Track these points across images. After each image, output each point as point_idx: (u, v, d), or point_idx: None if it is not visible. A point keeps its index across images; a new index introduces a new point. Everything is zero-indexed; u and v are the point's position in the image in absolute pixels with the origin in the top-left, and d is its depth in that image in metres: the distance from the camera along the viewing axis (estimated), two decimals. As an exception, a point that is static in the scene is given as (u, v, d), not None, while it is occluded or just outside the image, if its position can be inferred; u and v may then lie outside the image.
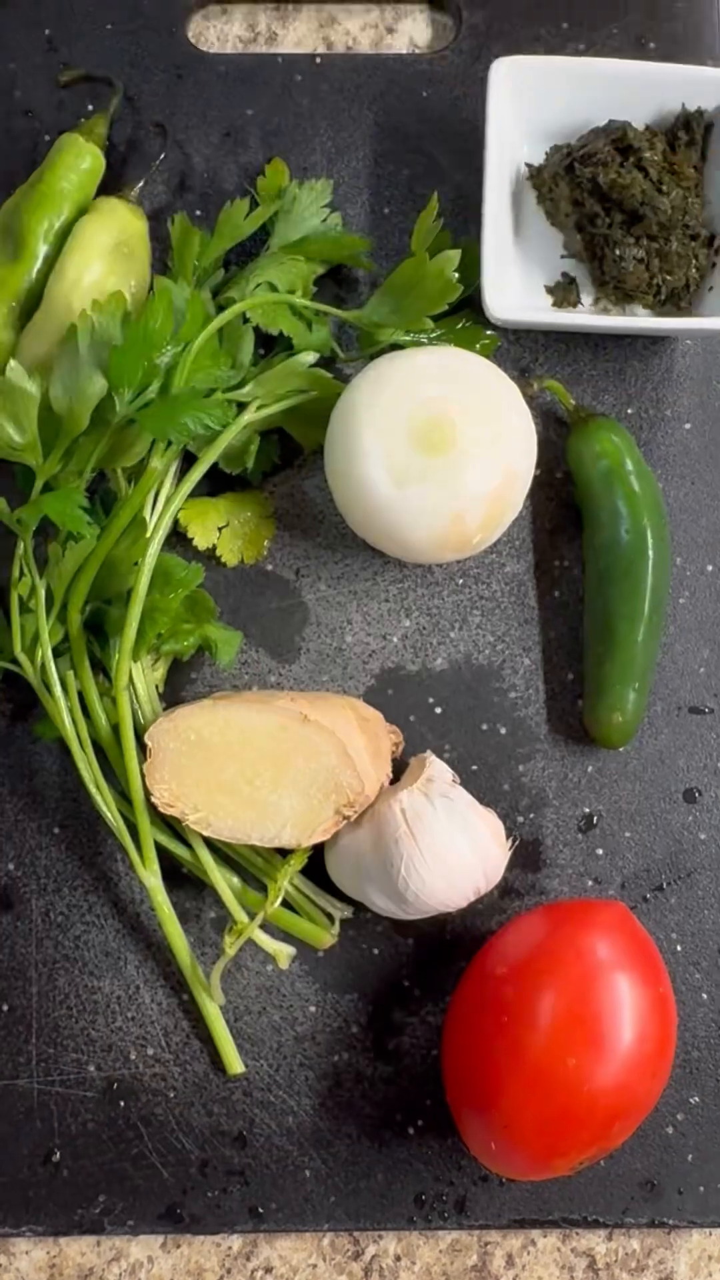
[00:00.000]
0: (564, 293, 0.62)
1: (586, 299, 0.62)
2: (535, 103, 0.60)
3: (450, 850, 0.55)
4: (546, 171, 0.60)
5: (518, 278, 0.62)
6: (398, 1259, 0.60)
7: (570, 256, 0.62)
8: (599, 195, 0.58)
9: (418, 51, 0.67)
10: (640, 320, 0.60)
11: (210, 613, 0.60)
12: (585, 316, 0.61)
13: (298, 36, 0.67)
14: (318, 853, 0.59)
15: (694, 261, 0.59)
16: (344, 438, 0.56)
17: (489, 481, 0.56)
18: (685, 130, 0.60)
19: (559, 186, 0.60)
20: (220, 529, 0.61)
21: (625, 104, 0.60)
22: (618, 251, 0.58)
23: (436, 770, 0.58)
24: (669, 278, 0.59)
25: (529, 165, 0.62)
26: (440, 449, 0.55)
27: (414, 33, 0.67)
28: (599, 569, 0.60)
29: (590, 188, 0.58)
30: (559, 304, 0.62)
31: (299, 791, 0.56)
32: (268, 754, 0.56)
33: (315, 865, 0.59)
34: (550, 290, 0.62)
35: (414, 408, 0.55)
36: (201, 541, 0.61)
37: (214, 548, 0.61)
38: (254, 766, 0.56)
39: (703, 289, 0.61)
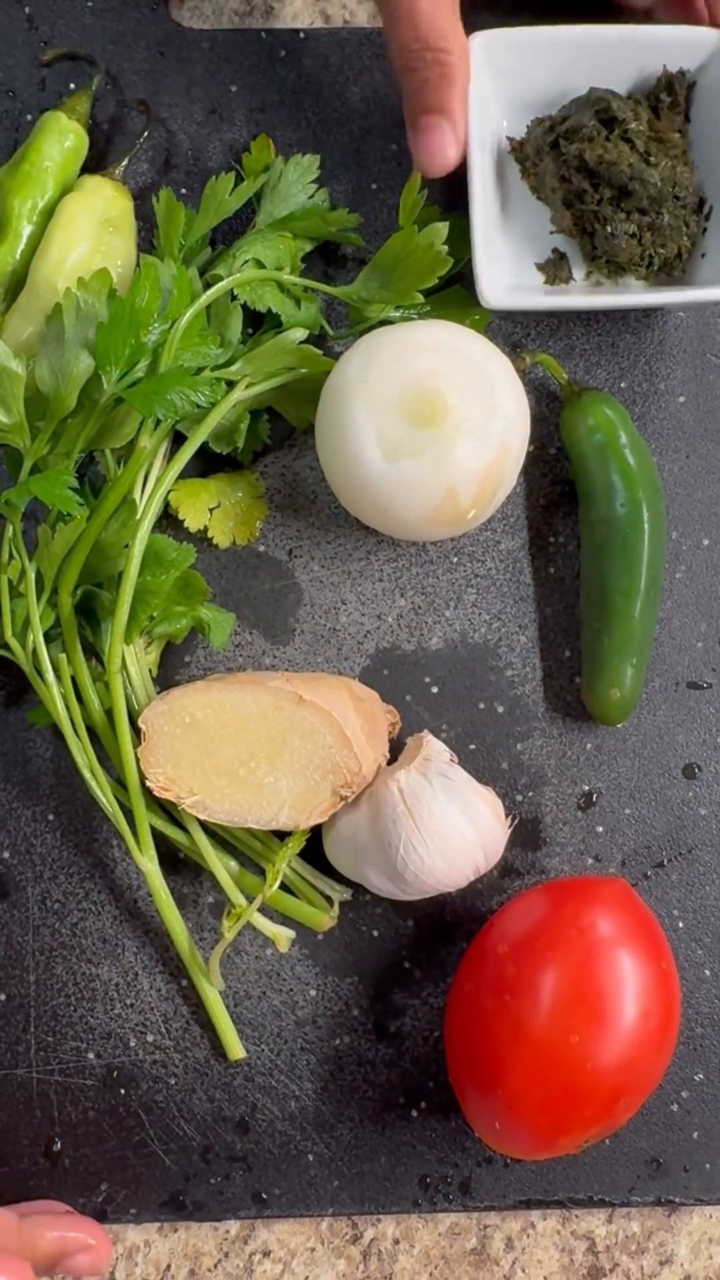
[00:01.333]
0: (555, 269, 0.61)
1: (578, 273, 0.61)
2: (514, 75, 0.58)
3: (449, 829, 0.55)
4: (530, 146, 0.59)
5: (508, 257, 0.61)
6: (396, 1242, 0.59)
7: (560, 231, 0.60)
8: (586, 171, 0.57)
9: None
10: (636, 296, 0.59)
11: (203, 595, 0.60)
12: (580, 298, 0.60)
13: (294, 10, 0.66)
14: (315, 835, 0.58)
15: (685, 229, 0.58)
16: (334, 412, 0.56)
17: (482, 455, 0.55)
18: (668, 92, 0.59)
19: (543, 162, 0.58)
20: (211, 510, 0.61)
21: (605, 70, 0.58)
22: (609, 228, 0.57)
23: (434, 750, 0.57)
24: (662, 250, 0.58)
25: (510, 139, 0.60)
26: (432, 423, 0.54)
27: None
28: (595, 544, 0.60)
29: (577, 164, 0.57)
30: (550, 281, 0.61)
31: (296, 773, 0.56)
32: (263, 736, 0.56)
33: (313, 847, 0.59)
34: (541, 268, 0.61)
35: (405, 382, 0.55)
36: (193, 523, 0.60)
37: (205, 529, 0.61)
38: (250, 749, 0.56)
39: (695, 256, 0.60)
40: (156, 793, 0.56)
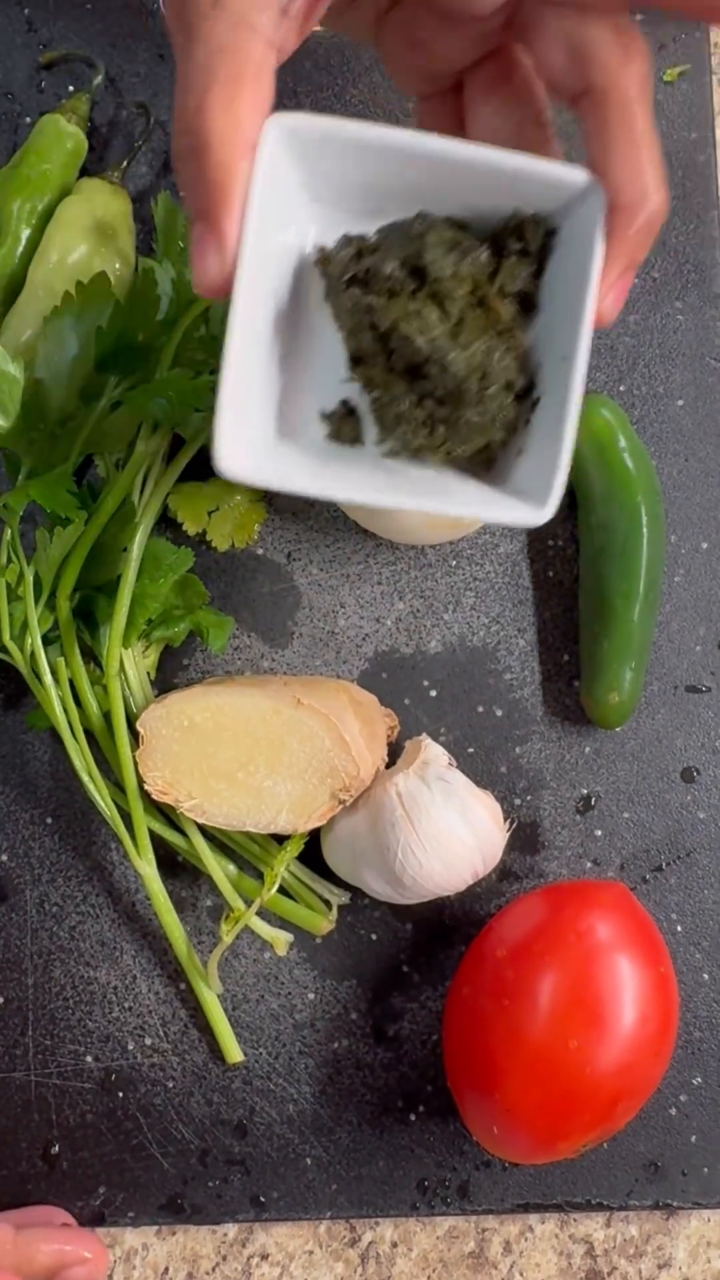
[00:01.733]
0: (340, 425, 0.45)
1: (370, 435, 0.44)
2: (326, 174, 0.42)
3: (447, 833, 0.55)
4: (332, 269, 0.43)
5: (290, 394, 0.44)
6: (394, 1245, 0.59)
7: (352, 380, 0.44)
8: (377, 331, 0.42)
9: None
10: (413, 499, 0.43)
11: (201, 598, 0.60)
12: (347, 487, 0.43)
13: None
14: (314, 839, 0.58)
15: (497, 419, 0.43)
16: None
17: (481, 460, 0.55)
18: (517, 238, 0.42)
19: (342, 295, 0.42)
20: (210, 513, 0.61)
21: (445, 193, 0.42)
22: (395, 408, 0.42)
23: (432, 753, 0.57)
24: (463, 446, 0.43)
25: (319, 248, 0.43)
26: (431, 428, 0.54)
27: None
28: (593, 548, 0.60)
29: (368, 319, 0.42)
30: (335, 436, 0.45)
31: (294, 776, 0.56)
32: (262, 739, 0.56)
33: (311, 851, 0.59)
34: (326, 418, 0.45)
35: (404, 386, 0.54)
36: (191, 526, 0.60)
37: (204, 532, 0.61)
38: (248, 752, 0.56)
39: (511, 451, 0.44)
40: (155, 796, 0.56)
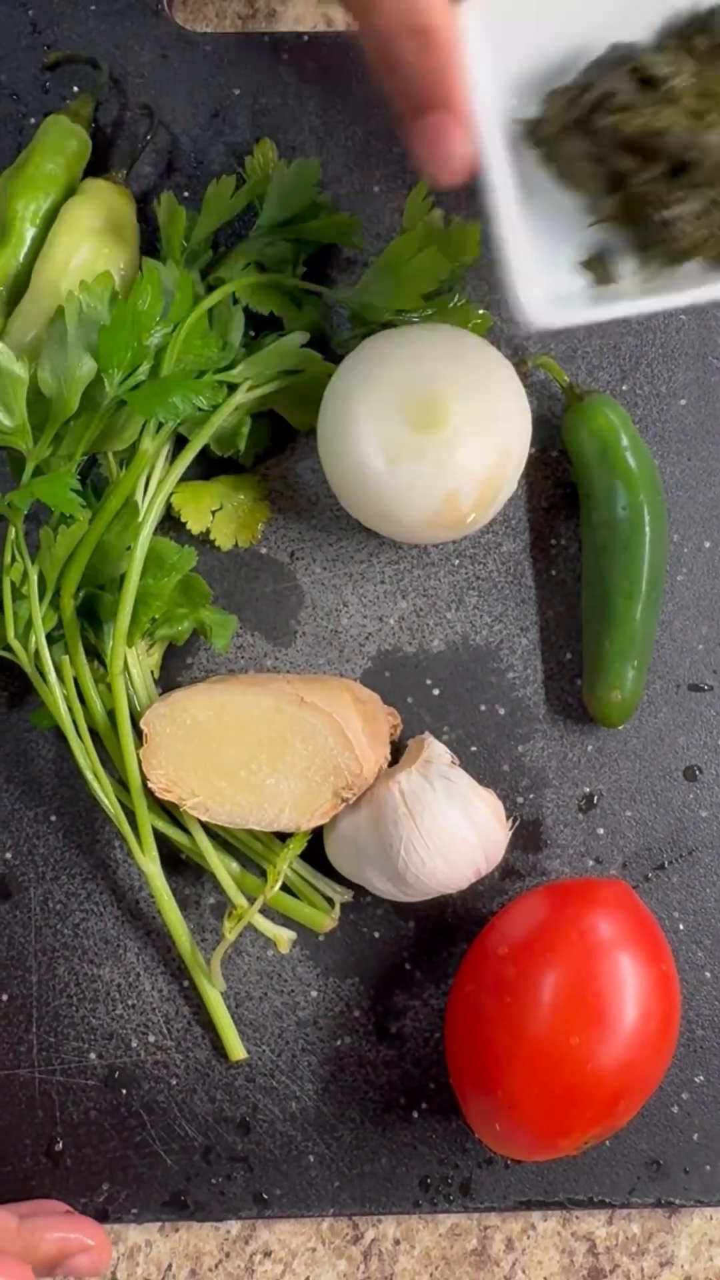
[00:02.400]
0: (600, 267, 0.50)
1: (626, 267, 0.50)
2: (517, 43, 0.47)
3: (450, 831, 0.55)
4: (548, 126, 0.48)
5: (542, 264, 0.49)
6: (397, 1243, 0.60)
7: (599, 222, 0.49)
8: (628, 146, 0.46)
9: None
10: (708, 290, 0.48)
11: (204, 597, 0.60)
12: (640, 302, 0.48)
13: (297, 13, 0.66)
14: (317, 836, 0.59)
15: None
16: (336, 416, 0.56)
17: (483, 460, 0.55)
18: (704, 33, 0.47)
19: (569, 143, 0.47)
20: (214, 512, 0.61)
21: (624, 19, 0.47)
22: (665, 212, 0.46)
23: (435, 752, 0.57)
24: None
25: (521, 122, 0.49)
26: (433, 427, 0.54)
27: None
28: (596, 546, 0.60)
29: (614, 139, 0.46)
30: (598, 281, 0.50)
31: (297, 774, 0.56)
32: (265, 737, 0.56)
33: (314, 849, 0.59)
34: (586, 266, 0.50)
35: (407, 385, 0.55)
36: (195, 525, 0.60)
37: (207, 531, 0.61)
38: (251, 750, 0.56)
39: None
40: (158, 794, 0.56)
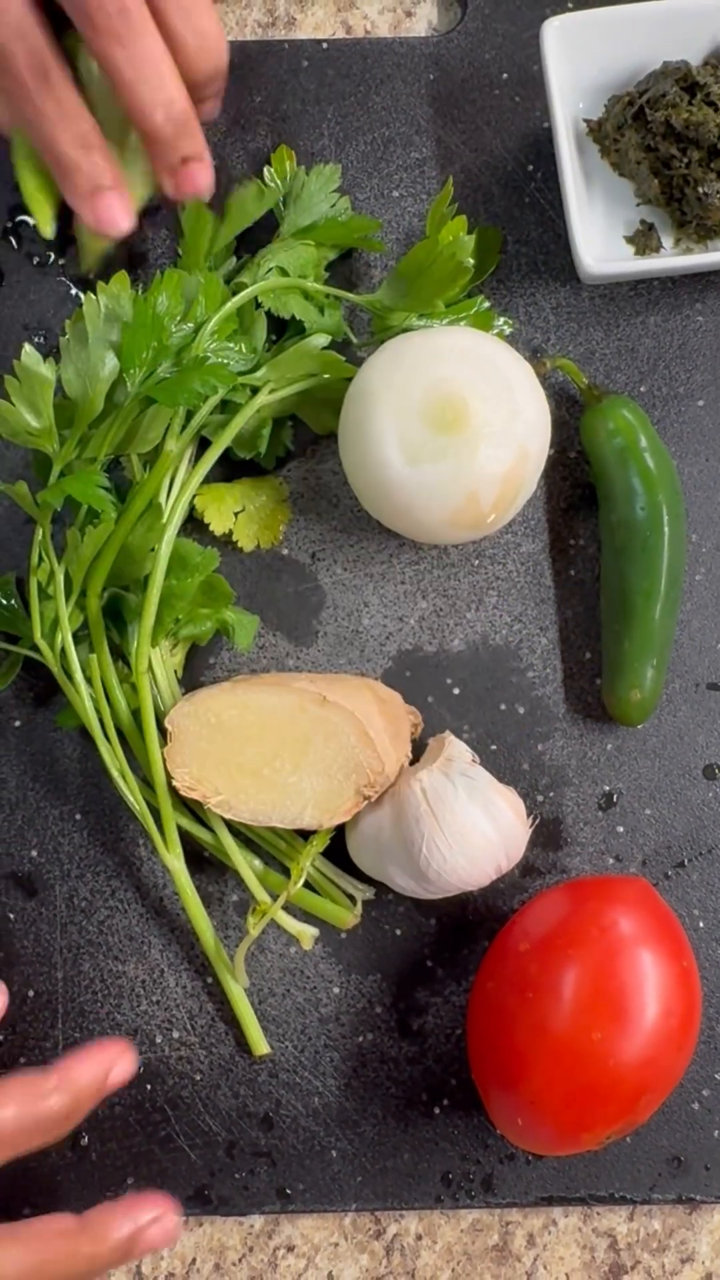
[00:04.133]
0: (644, 240, 0.63)
1: (667, 241, 0.63)
2: (588, 57, 0.61)
3: (471, 828, 0.55)
4: (609, 124, 0.62)
5: (597, 233, 0.63)
6: (419, 1238, 0.60)
7: (645, 203, 0.62)
8: (673, 136, 0.59)
9: (433, 34, 0.67)
10: None
11: (227, 597, 0.60)
12: (677, 259, 0.62)
13: (315, 21, 0.67)
14: (339, 834, 0.59)
15: None
16: (357, 417, 0.57)
17: (503, 461, 0.56)
18: None
19: (625, 136, 0.61)
20: (236, 514, 0.61)
21: (678, 43, 0.61)
22: (700, 189, 0.59)
23: (456, 750, 0.58)
24: None
25: (587, 121, 0.63)
26: (454, 428, 0.55)
27: (432, 16, 0.67)
28: (615, 547, 0.60)
29: (663, 130, 0.59)
30: (640, 251, 0.63)
31: (319, 773, 0.56)
32: (287, 736, 0.56)
33: (336, 847, 0.59)
34: (630, 240, 0.63)
35: (428, 387, 0.55)
36: (218, 526, 0.61)
37: (230, 532, 0.61)
38: (274, 749, 0.56)
39: None
40: (182, 792, 0.57)
